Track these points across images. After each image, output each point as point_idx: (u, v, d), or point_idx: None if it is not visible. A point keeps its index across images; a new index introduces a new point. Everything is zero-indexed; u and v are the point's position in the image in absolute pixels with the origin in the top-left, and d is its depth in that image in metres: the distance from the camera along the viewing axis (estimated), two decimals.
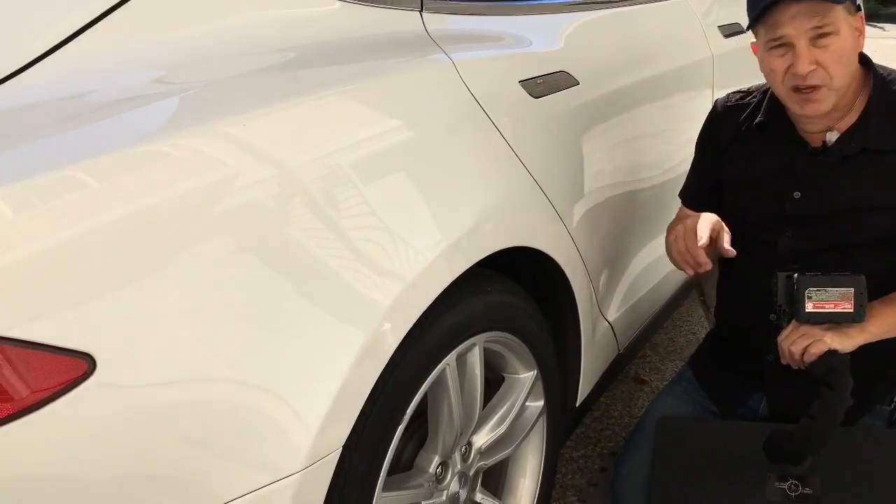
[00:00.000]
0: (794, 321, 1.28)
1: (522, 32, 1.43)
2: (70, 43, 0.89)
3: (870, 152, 1.31)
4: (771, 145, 1.40)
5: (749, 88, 1.50)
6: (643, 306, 1.84)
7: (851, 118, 1.33)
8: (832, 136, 1.33)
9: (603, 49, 1.62)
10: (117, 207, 0.79)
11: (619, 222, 1.67)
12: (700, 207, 1.53)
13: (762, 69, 1.35)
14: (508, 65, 1.33)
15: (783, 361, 1.32)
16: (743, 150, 1.45)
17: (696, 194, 1.57)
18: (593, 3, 1.70)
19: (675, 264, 1.45)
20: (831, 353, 1.23)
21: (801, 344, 1.26)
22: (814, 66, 1.24)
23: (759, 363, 1.43)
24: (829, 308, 1.23)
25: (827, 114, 1.31)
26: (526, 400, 1.42)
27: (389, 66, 1.15)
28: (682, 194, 1.60)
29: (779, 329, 1.32)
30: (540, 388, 1.44)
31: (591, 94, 1.50)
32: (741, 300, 1.49)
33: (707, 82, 2.00)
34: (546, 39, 1.47)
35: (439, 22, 1.26)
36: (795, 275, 1.26)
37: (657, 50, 1.80)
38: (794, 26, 1.24)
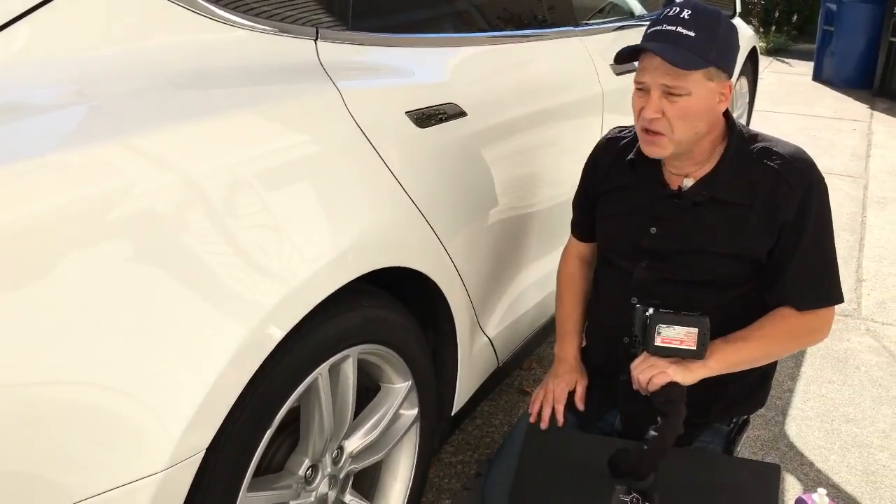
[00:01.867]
0: (645, 351, 1.42)
1: (414, 65, 1.52)
2: None
3: (717, 201, 1.44)
4: (639, 182, 1.53)
5: (629, 125, 1.61)
6: (524, 322, 1.95)
7: (706, 168, 1.46)
8: (688, 182, 1.47)
9: (493, 82, 1.72)
10: (8, 210, 0.84)
11: (501, 245, 1.78)
12: (581, 235, 1.70)
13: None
14: (395, 95, 1.41)
15: (634, 386, 1.45)
16: (615, 183, 1.57)
17: (578, 221, 1.70)
18: (487, 39, 1.80)
19: (533, 407, 1.61)
20: (672, 385, 1.37)
21: (647, 373, 1.39)
22: (658, 115, 1.37)
23: (613, 380, 1.56)
24: (675, 344, 1.37)
25: (682, 161, 1.45)
26: (400, 408, 1.51)
27: (281, 91, 1.22)
28: (572, 221, 1.74)
29: (633, 354, 1.46)
30: (415, 397, 1.53)
31: (479, 125, 1.60)
32: (602, 322, 1.63)
33: (597, 116, 2.13)
34: (437, 72, 1.57)
35: (333, 52, 1.34)
36: (650, 310, 1.40)
37: (548, 84, 1.92)
38: (651, 76, 1.37)
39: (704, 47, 1.35)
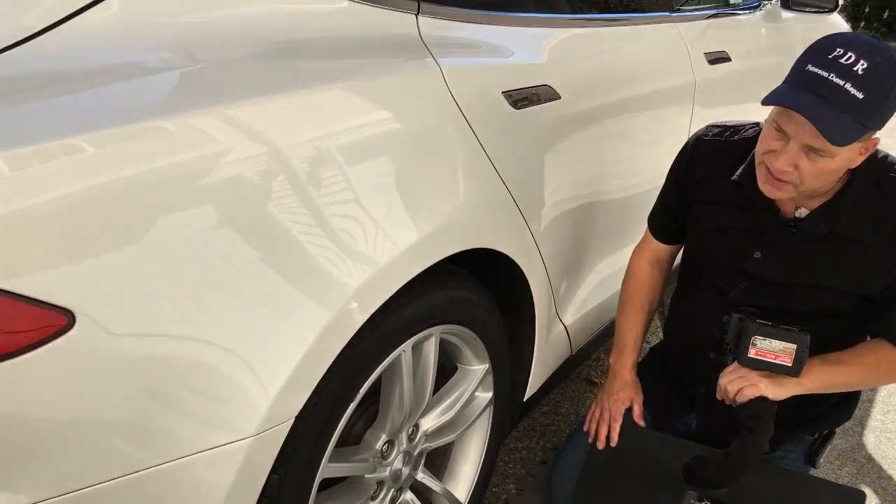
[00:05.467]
0: (735, 361, 1.35)
1: (512, 45, 1.49)
2: (77, 17, 0.94)
3: (837, 236, 1.32)
4: (743, 201, 1.39)
5: (728, 124, 1.49)
6: (598, 313, 1.92)
7: (823, 199, 1.33)
8: (801, 212, 1.35)
9: (587, 66, 1.68)
10: (106, 174, 0.85)
11: (584, 233, 1.75)
12: (662, 236, 1.60)
13: (762, 127, 1.34)
14: (493, 75, 1.39)
15: (718, 396, 1.38)
16: (713, 195, 1.44)
17: (661, 222, 1.61)
18: (583, 21, 1.76)
19: (589, 428, 1.56)
20: (761, 400, 1.30)
21: (737, 384, 1.32)
22: (791, 168, 1.23)
23: (692, 389, 1.51)
24: (769, 358, 1.30)
25: (802, 196, 1.32)
26: (476, 390, 1.51)
27: (382, 65, 1.22)
28: (650, 217, 1.64)
29: (718, 365, 1.39)
30: (490, 380, 1.52)
31: (572, 109, 1.57)
32: (686, 331, 1.56)
33: (687, 106, 2.07)
34: (534, 53, 1.54)
35: (433, 27, 1.32)
36: (747, 319, 1.33)
37: (641, 71, 1.87)
38: (796, 129, 1.21)
39: (869, 113, 1.16)
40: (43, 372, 0.81)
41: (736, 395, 1.33)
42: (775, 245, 1.38)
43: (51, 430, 0.83)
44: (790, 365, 1.29)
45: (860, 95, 1.15)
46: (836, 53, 1.17)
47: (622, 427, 1.52)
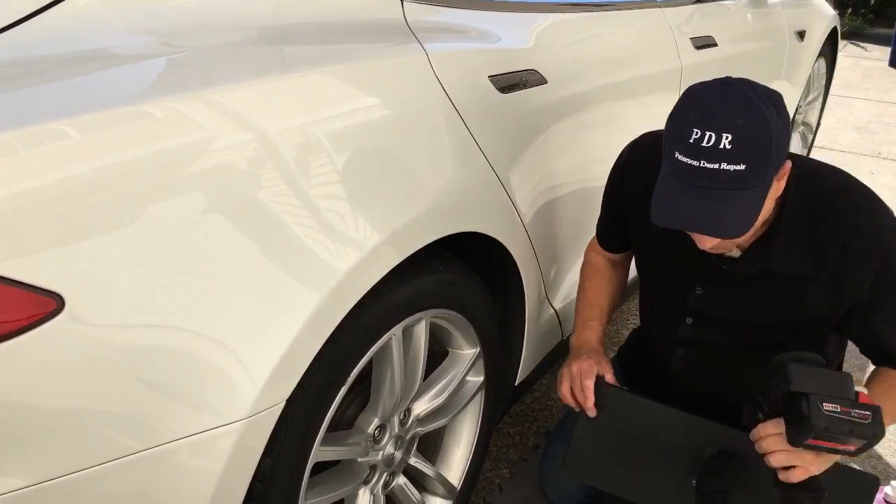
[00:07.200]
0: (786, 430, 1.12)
1: (498, 29, 1.50)
2: (63, 2, 0.94)
3: (774, 274, 1.25)
4: (680, 236, 1.25)
5: (658, 138, 1.29)
6: None
7: (755, 234, 1.23)
8: (734, 252, 1.27)
9: (574, 51, 1.69)
10: (96, 159, 0.85)
11: (573, 217, 1.76)
12: (610, 248, 1.55)
13: None
14: (479, 59, 1.39)
15: (756, 448, 1.19)
16: (649, 227, 1.27)
17: (607, 235, 1.54)
18: (570, 6, 1.77)
19: (564, 400, 1.40)
20: (812, 478, 1.17)
21: (783, 460, 1.15)
22: (715, 243, 1.16)
23: (665, 378, 1.47)
24: (831, 445, 1.10)
25: None
26: (466, 374, 1.51)
27: (367, 50, 1.22)
28: (597, 229, 1.56)
29: (754, 418, 1.21)
30: (481, 364, 1.53)
31: (558, 93, 1.58)
32: (647, 356, 1.52)
33: (674, 91, 2.08)
34: (520, 38, 1.54)
35: (418, 12, 1.32)
36: (817, 397, 1.07)
37: (627, 56, 1.88)
38: (699, 239, 1.17)
39: (762, 172, 1.06)
40: (31, 356, 0.81)
41: (780, 469, 1.17)
42: (716, 283, 1.31)
43: (38, 415, 0.83)
44: (854, 450, 1.09)
45: (741, 167, 1.05)
46: (694, 137, 1.06)
47: (599, 392, 1.35)
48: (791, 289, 1.25)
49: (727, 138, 1.04)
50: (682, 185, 1.09)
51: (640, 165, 1.36)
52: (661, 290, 1.43)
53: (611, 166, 1.49)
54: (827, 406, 1.07)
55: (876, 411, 1.07)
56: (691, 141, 1.06)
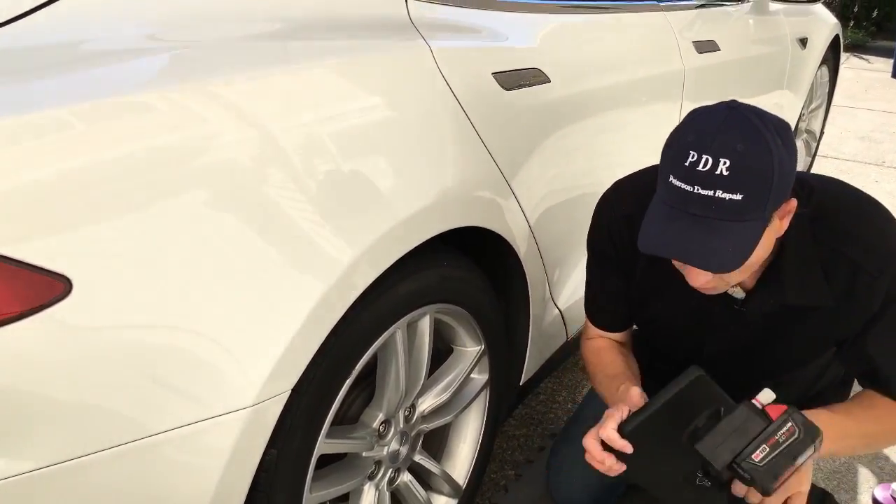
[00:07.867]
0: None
1: (502, 28, 1.51)
2: None
3: (789, 308, 1.18)
4: (681, 283, 1.15)
5: (632, 185, 1.30)
6: None
7: (760, 270, 1.17)
8: (738, 293, 1.20)
9: (578, 51, 1.70)
10: (107, 149, 0.86)
11: (577, 216, 1.76)
12: (611, 324, 1.41)
13: None
14: (484, 57, 1.41)
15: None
16: (647, 282, 1.24)
17: (606, 308, 1.39)
18: (574, 7, 1.78)
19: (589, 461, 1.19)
20: (813, 487, 1.17)
21: (779, 503, 1.10)
22: (709, 280, 1.08)
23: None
24: (789, 473, 1.05)
25: None
26: (471, 372, 1.51)
27: (372, 46, 1.23)
28: (589, 312, 1.42)
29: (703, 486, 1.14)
30: (486, 362, 1.53)
31: (561, 92, 1.59)
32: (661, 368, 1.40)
33: (677, 93, 2.09)
34: (523, 37, 1.56)
35: (423, 9, 1.34)
36: (745, 463, 1.04)
37: (630, 58, 1.89)
38: (690, 274, 1.10)
39: (760, 205, 0.99)
40: (39, 338, 0.81)
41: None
42: (726, 328, 1.25)
43: (44, 398, 0.83)
44: (813, 453, 1.06)
45: (738, 197, 0.97)
46: (691, 160, 0.99)
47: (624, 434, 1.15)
48: (808, 320, 1.19)
49: (725, 164, 0.96)
50: (674, 212, 1.02)
51: (622, 221, 1.28)
52: (669, 349, 1.38)
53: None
54: (757, 455, 1.03)
55: (790, 415, 1.04)
56: (687, 164, 0.99)
